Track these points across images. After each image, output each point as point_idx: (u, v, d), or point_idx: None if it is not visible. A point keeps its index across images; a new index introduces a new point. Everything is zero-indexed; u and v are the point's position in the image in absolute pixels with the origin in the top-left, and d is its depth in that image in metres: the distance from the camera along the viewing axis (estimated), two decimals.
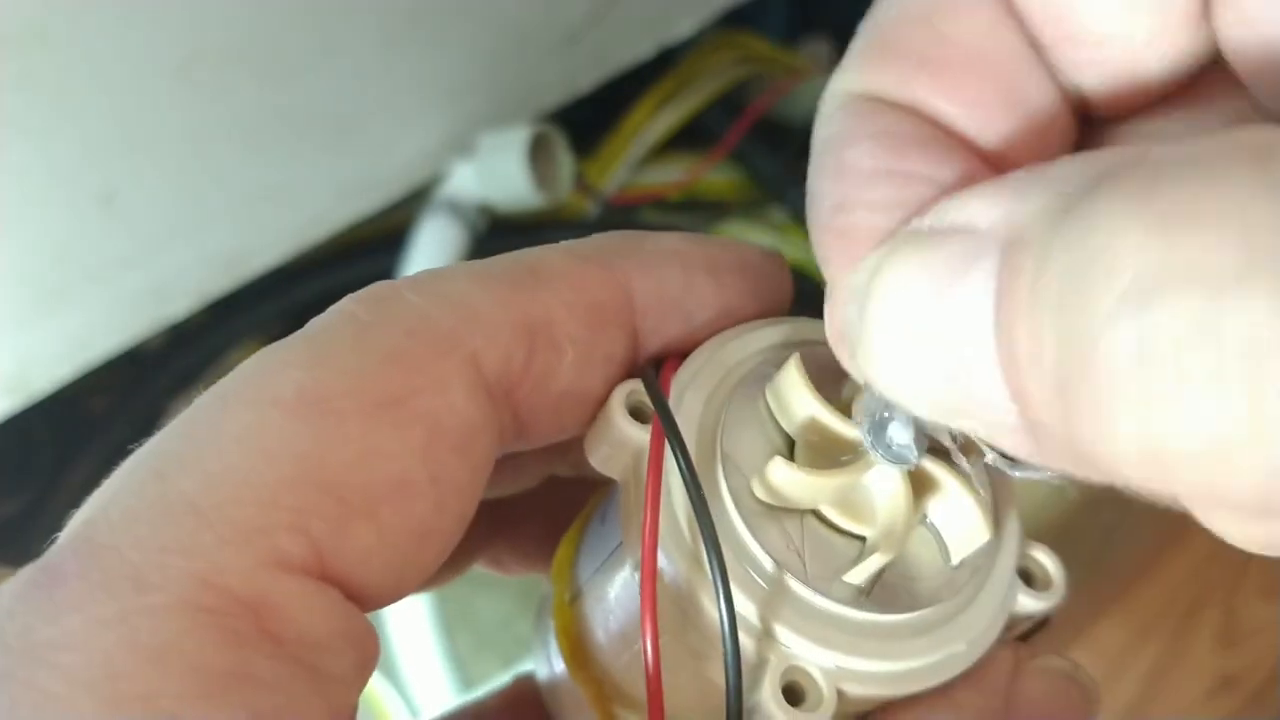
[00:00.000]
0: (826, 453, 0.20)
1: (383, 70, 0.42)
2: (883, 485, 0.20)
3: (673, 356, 0.22)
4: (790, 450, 0.21)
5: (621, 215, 0.52)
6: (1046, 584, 0.21)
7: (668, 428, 0.20)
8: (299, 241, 0.44)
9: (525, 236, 0.49)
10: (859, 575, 0.19)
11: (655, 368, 0.21)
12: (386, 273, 0.45)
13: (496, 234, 0.49)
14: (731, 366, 0.21)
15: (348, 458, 0.17)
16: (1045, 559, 0.21)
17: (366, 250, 0.50)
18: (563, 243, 0.21)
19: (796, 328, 0.22)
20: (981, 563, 0.21)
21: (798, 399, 0.20)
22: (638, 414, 0.21)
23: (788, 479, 0.19)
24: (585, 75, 0.49)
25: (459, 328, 0.19)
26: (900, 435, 0.19)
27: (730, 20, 0.55)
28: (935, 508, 0.20)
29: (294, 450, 0.17)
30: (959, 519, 0.20)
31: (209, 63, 0.38)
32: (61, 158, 0.36)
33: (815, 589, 0.19)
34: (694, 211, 0.55)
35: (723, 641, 0.18)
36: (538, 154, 0.47)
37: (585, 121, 0.52)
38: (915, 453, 0.19)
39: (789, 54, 0.58)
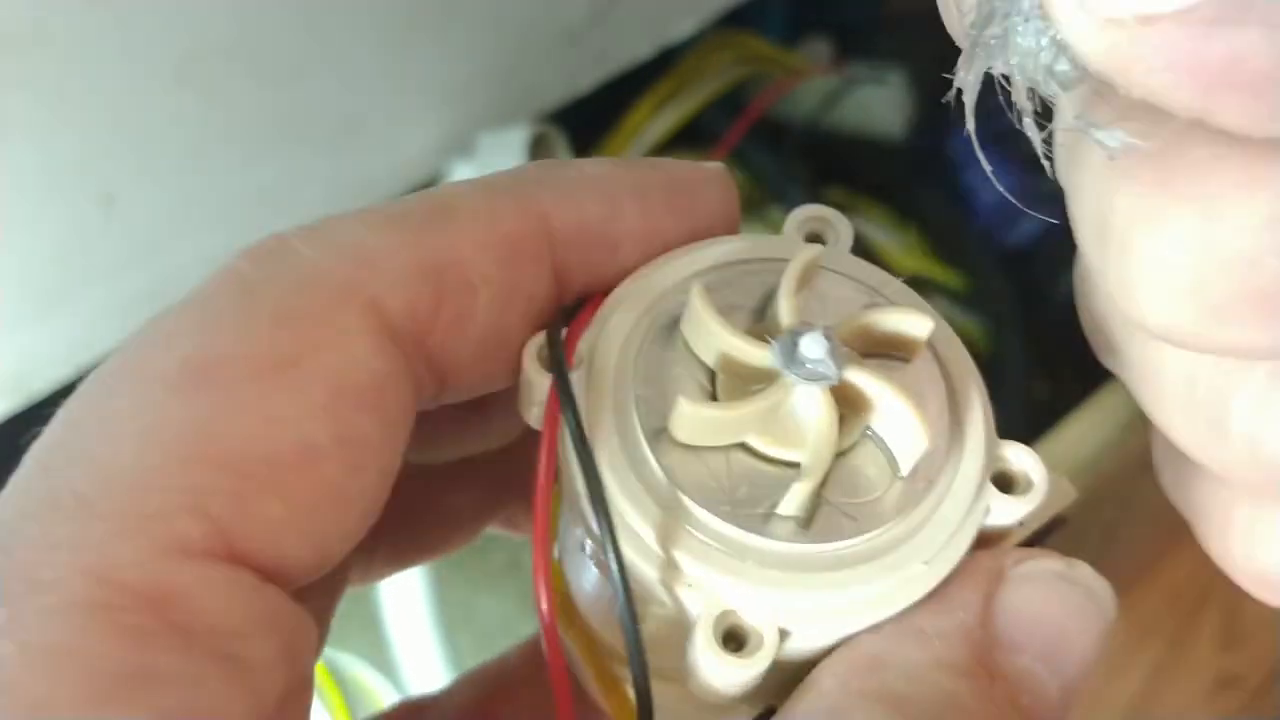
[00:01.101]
0: (748, 382, 0.19)
1: (382, 70, 0.42)
2: (806, 407, 0.18)
3: (600, 293, 0.20)
4: (714, 383, 0.19)
5: None
6: (1026, 486, 0.19)
7: (559, 381, 0.18)
8: None
9: None
10: (788, 506, 0.18)
11: (575, 308, 0.20)
12: None
13: None
14: (656, 299, 0.20)
15: (243, 428, 0.16)
16: (1021, 457, 0.19)
17: None
18: (477, 177, 0.20)
19: (731, 248, 0.21)
20: (939, 474, 0.19)
21: (705, 331, 0.19)
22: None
23: (697, 417, 0.18)
24: (585, 75, 0.49)
25: (356, 276, 0.18)
26: (812, 350, 0.18)
27: (730, 20, 0.55)
28: (877, 421, 0.19)
29: (184, 427, 0.16)
30: (899, 427, 0.19)
31: (207, 64, 0.38)
32: (60, 159, 0.36)
33: (744, 527, 0.18)
34: None
35: (618, 594, 0.17)
36: (537, 154, 0.47)
37: (585, 122, 0.52)
38: (832, 368, 0.18)
39: (789, 54, 0.58)
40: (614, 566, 0.17)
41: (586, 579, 0.21)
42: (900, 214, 0.56)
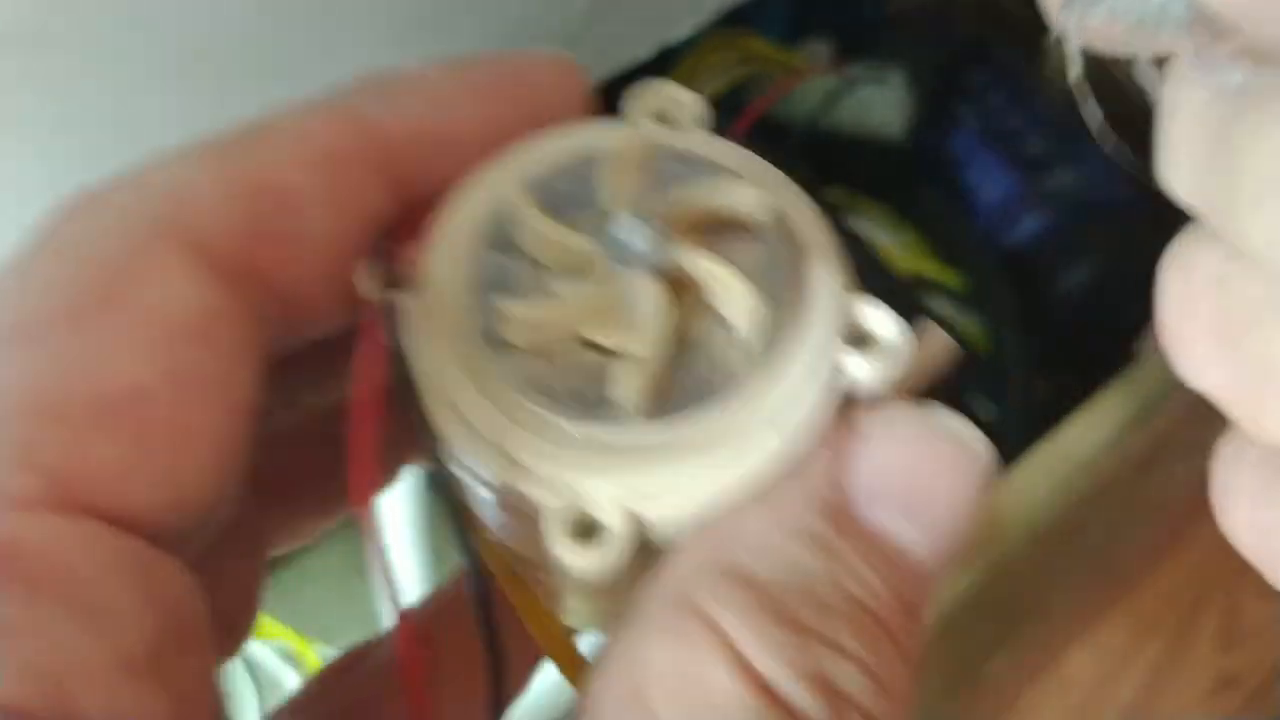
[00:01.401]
0: (583, 277, 0.19)
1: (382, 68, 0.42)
2: (633, 292, 0.18)
3: (430, 203, 0.20)
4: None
5: None
6: (882, 342, 0.18)
7: (379, 302, 0.18)
8: None
9: None
10: (624, 391, 0.18)
11: (403, 222, 0.20)
12: None
13: None
14: (491, 201, 0.19)
15: (66, 375, 0.16)
16: (876, 314, 0.18)
17: None
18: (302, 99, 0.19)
19: (571, 141, 0.20)
20: (783, 343, 0.18)
21: (527, 227, 0.19)
22: (398, 283, 0.19)
23: (525, 318, 0.18)
24: (584, 75, 0.49)
25: (166, 210, 0.17)
26: (628, 233, 0.18)
27: (730, 20, 0.54)
28: (714, 298, 0.19)
29: (6, 385, 0.16)
30: (736, 302, 0.18)
31: (211, 62, 0.38)
32: (60, 158, 0.36)
33: (582, 418, 0.18)
34: None
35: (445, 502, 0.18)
36: None
37: None
38: (650, 249, 0.18)
39: (789, 54, 0.58)
40: (436, 472, 0.18)
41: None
42: (900, 214, 0.56)
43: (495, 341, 0.18)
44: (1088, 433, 0.49)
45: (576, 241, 0.18)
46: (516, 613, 0.21)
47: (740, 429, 0.18)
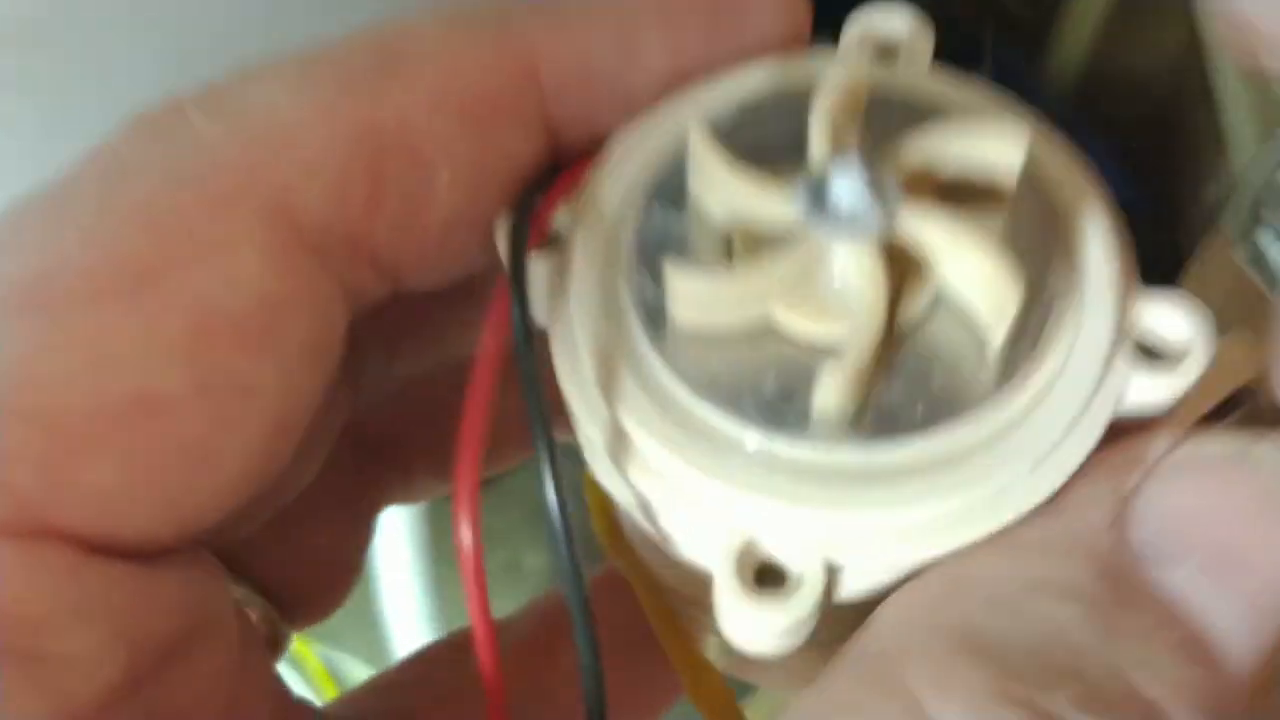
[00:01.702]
0: (774, 248, 0.14)
1: None
2: (844, 268, 0.14)
3: (591, 151, 0.16)
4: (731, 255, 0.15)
5: None
6: (1180, 353, 0.14)
7: (512, 279, 0.14)
8: None
9: None
10: (826, 399, 0.13)
11: (553, 172, 0.16)
12: None
13: None
14: (662, 149, 0.16)
15: (67, 369, 0.13)
16: (1172, 313, 0.14)
17: None
18: (445, 11, 0.15)
19: (763, 76, 0.16)
20: (1048, 345, 0.14)
21: (711, 181, 0.15)
22: (553, 243, 0.15)
23: (698, 292, 0.14)
24: None
25: (258, 160, 0.14)
26: (847, 191, 0.13)
27: None
28: (952, 280, 0.14)
29: None
30: (982, 286, 0.14)
31: (210, 59, 0.38)
32: (58, 156, 0.36)
33: (771, 430, 0.14)
34: None
35: (556, 534, 0.14)
36: None
37: None
38: (875, 214, 0.13)
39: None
40: (552, 499, 0.13)
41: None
42: None
43: (659, 320, 0.14)
44: None
45: (770, 198, 0.14)
46: (659, 646, 0.17)
47: (982, 460, 0.13)
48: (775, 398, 0.14)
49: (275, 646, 0.19)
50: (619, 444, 0.14)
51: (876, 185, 0.13)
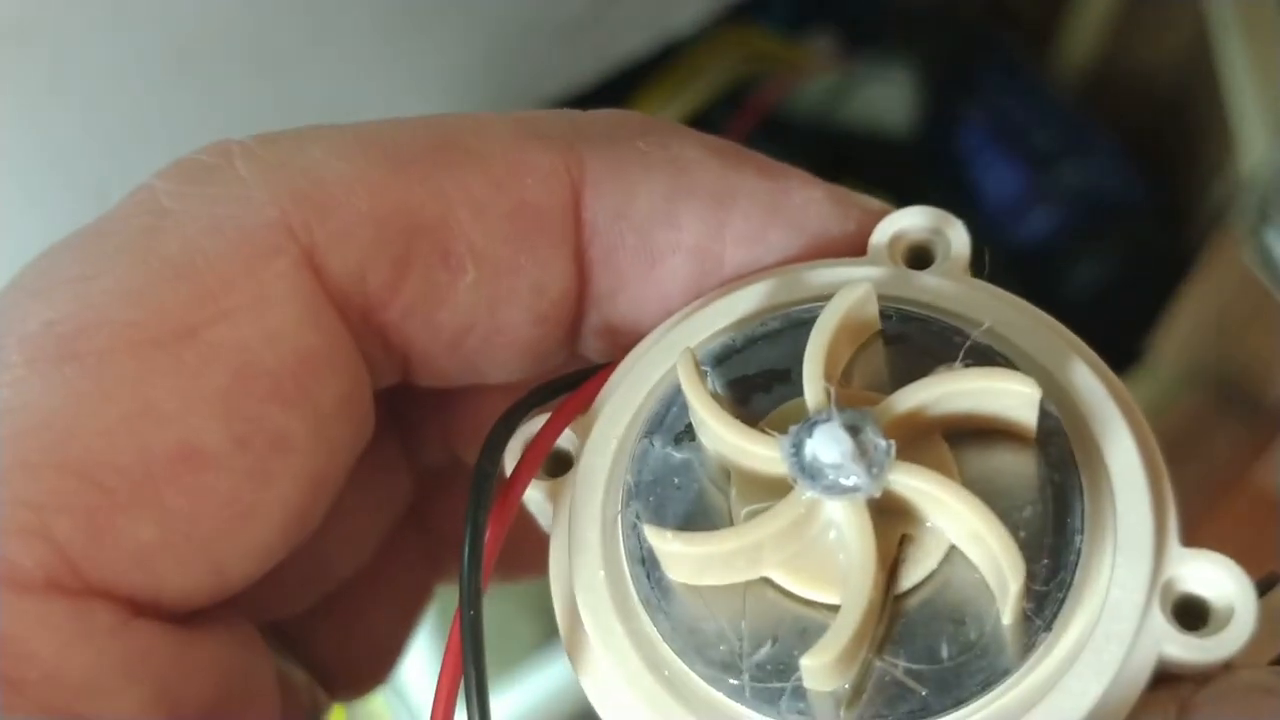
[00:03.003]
0: (769, 491, 0.14)
1: (380, 61, 0.42)
2: (834, 528, 0.13)
3: (612, 362, 0.15)
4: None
5: None
6: (1222, 619, 0.12)
7: (469, 534, 0.13)
8: None
9: None
10: (817, 677, 0.12)
11: (573, 378, 0.15)
12: None
13: None
14: (660, 375, 0.15)
15: (109, 422, 0.13)
16: (1204, 570, 0.13)
17: None
18: (515, 113, 0.15)
19: (784, 283, 0.15)
20: (1072, 612, 0.13)
21: (698, 421, 0.14)
22: (556, 462, 0.15)
23: (685, 555, 0.13)
24: (587, 69, 0.49)
25: (296, 216, 0.13)
26: (826, 451, 0.13)
27: (734, 14, 0.54)
28: (956, 538, 0.13)
29: (34, 419, 0.12)
30: (984, 548, 0.13)
31: (205, 56, 0.37)
32: (55, 152, 0.36)
33: (764, 709, 0.13)
34: None
35: None
36: None
37: None
38: (861, 474, 0.12)
39: (794, 49, 0.58)
40: None
41: None
42: None
43: (651, 573, 0.14)
44: None
45: (757, 449, 0.13)
46: None
47: None
48: (768, 664, 0.13)
49: (315, 718, 0.19)
50: (608, 698, 0.14)
51: (861, 445, 0.13)
